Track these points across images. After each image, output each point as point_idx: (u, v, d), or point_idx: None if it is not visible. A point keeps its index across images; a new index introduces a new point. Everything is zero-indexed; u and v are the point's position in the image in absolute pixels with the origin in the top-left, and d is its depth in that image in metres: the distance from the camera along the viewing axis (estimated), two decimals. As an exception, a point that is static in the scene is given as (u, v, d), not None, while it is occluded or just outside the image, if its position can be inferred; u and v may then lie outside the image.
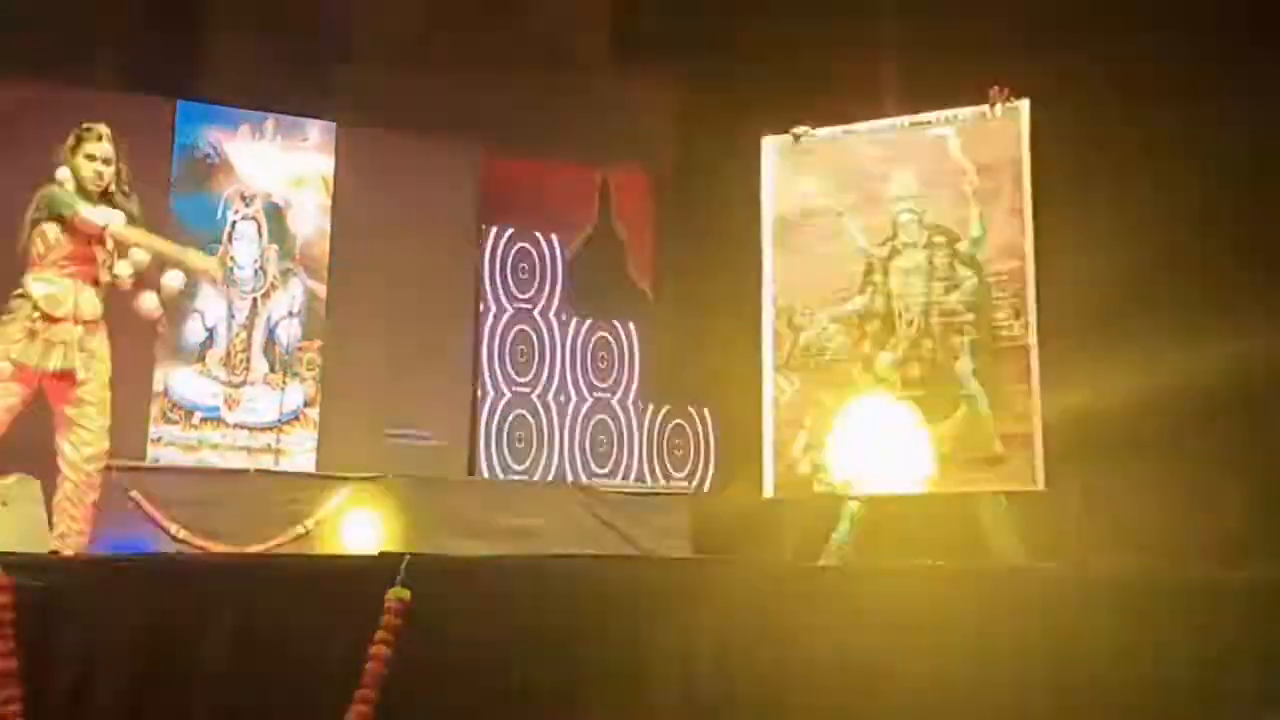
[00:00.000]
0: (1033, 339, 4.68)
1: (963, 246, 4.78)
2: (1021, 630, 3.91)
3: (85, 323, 4.34)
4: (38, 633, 3.14)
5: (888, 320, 4.72)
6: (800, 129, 5.04)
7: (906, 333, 4.70)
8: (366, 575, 3.41)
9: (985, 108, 4.88)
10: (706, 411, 8.38)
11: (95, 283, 4.38)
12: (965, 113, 4.93)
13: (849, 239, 4.86)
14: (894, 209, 4.85)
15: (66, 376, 4.29)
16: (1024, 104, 4.85)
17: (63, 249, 4.31)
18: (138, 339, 6.98)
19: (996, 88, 4.87)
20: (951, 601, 3.88)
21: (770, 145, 5.09)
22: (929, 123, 4.96)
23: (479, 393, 7.77)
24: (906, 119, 5.03)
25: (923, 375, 4.69)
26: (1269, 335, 5.76)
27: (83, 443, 4.37)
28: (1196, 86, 6.38)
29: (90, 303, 4.37)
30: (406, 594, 3.32)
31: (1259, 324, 5.78)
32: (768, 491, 4.74)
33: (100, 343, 4.41)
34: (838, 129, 5.07)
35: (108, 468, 6.09)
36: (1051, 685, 3.78)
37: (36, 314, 4.21)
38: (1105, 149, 6.65)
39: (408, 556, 3.45)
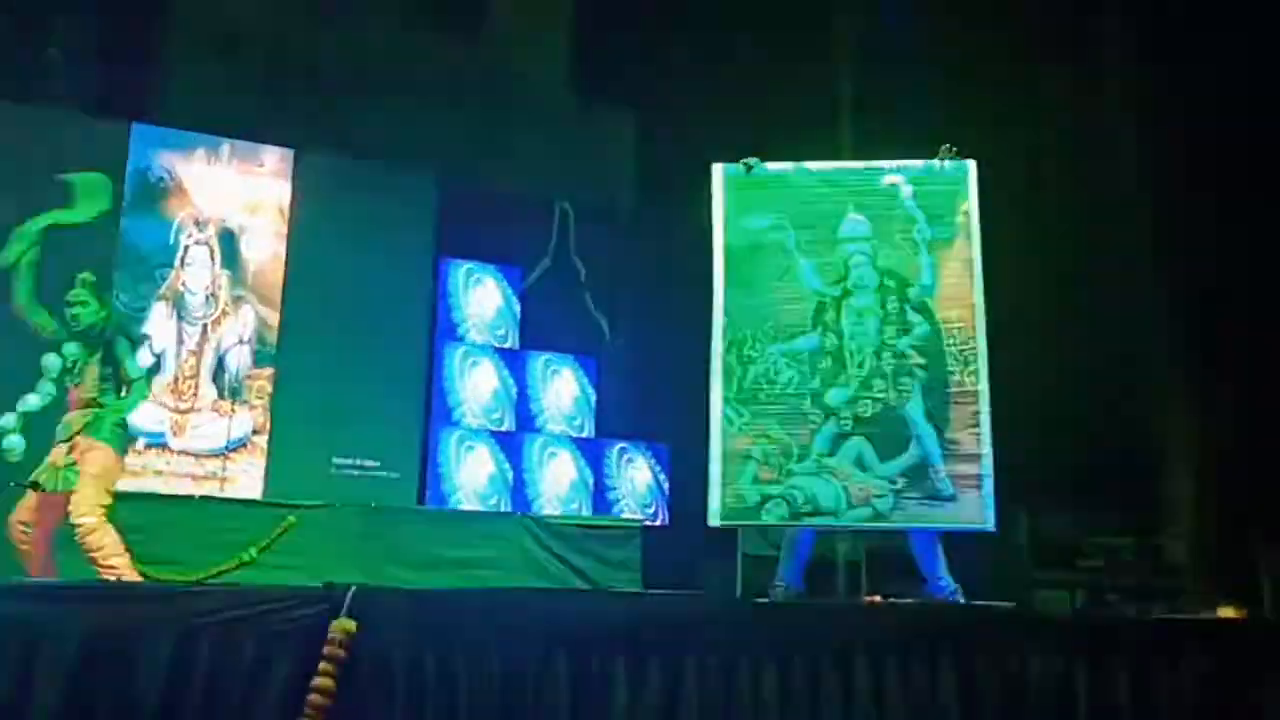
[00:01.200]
0: (983, 386, 4.77)
1: (913, 292, 4.85)
2: (966, 663, 3.95)
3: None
4: (-29, 659, 3.07)
5: (839, 358, 4.75)
6: (751, 160, 5.06)
7: (857, 372, 4.73)
8: (311, 605, 3.38)
9: (935, 161, 4.99)
10: (661, 446, 8.38)
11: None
12: (915, 164, 5.04)
13: (801, 277, 4.89)
14: (846, 250, 4.90)
15: None
16: (970, 164, 5.01)
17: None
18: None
19: (946, 145, 5.00)
20: (901, 636, 3.91)
21: (721, 174, 5.09)
22: (881, 169, 5.03)
23: (430, 424, 7.72)
24: (860, 164, 5.10)
25: (874, 414, 4.72)
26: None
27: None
28: (1133, 145, 6.59)
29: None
30: (352, 625, 3.29)
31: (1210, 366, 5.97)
32: (713, 520, 4.69)
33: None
34: (789, 165, 5.11)
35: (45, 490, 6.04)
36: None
37: None
38: (1049, 206, 6.83)
39: (353, 588, 3.42)
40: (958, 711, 3.90)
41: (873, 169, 5.04)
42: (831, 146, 7.21)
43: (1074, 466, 7.16)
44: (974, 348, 4.80)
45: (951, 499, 4.68)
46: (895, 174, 5.00)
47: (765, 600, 4.58)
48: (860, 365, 4.73)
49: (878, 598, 5.09)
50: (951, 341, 4.79)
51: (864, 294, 4.82)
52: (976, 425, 4.72)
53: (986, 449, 4.72)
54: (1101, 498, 7.17)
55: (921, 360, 4.77)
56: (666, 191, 8.74)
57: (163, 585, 4.29)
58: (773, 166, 5.09)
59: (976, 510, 4.69)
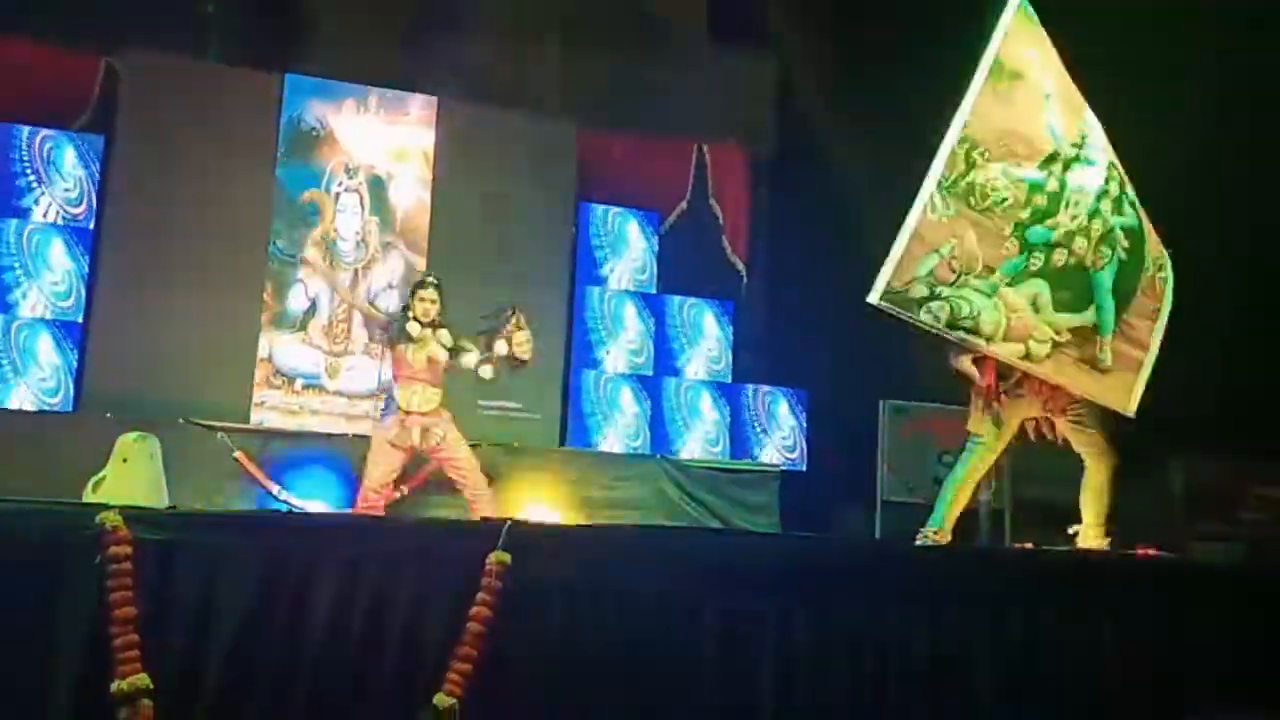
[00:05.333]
0: (1168, 300, 4.86)
1: (1131, 189, 4.84)
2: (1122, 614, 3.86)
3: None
4: (156, 583, 3.27)
5: (1054, 202, 4.65)
6: None
7: (1066, 223, 4.65)
8: (469, 539, 3.49)
9: None
10: (800, 391, 8.32)
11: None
12: None
13: (1047, 121, 4.77)
14: (1088, 118, 4.84)
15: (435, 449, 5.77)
16: None
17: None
18: (243, 308, 7.21)
19: None
20: (1055, 584, 3.83)
21: None
22: None
23: (571, 366, 7.83)
24: None
25: (1065, 266, 4.65)
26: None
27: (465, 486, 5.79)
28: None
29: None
30: (507, 558, 3.39)
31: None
32: (872, 296, 4.47)
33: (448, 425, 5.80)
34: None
35: (212, 428, 6.40)
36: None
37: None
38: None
39: (509, 522, 3.52)
40: (1113, 661, 3.81)
41: None
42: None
43: (1236, 413, 6.86)
44: (1168, 264, 4.89)
45: (1106, 372, 4.67)
46: None
47: (918, 544, 4.54)
48: (1073, 219, 4.65)
49: (1030, 545, 5.00)
50: (1152, 250, 4.83)
51: (1094, 164, 4.76)
52: (1154, 320, 4.76)
53: (1155, 347, 4.78)
54: (1266, 446, 6.84)
55: (1126, 244, 4.75)
56: (805, 136, 8.62)
57: (332, 518, 4.48)
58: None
59: (1125, 393, 4.71)
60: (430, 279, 5.90)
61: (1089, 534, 4.77)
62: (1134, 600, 3.89)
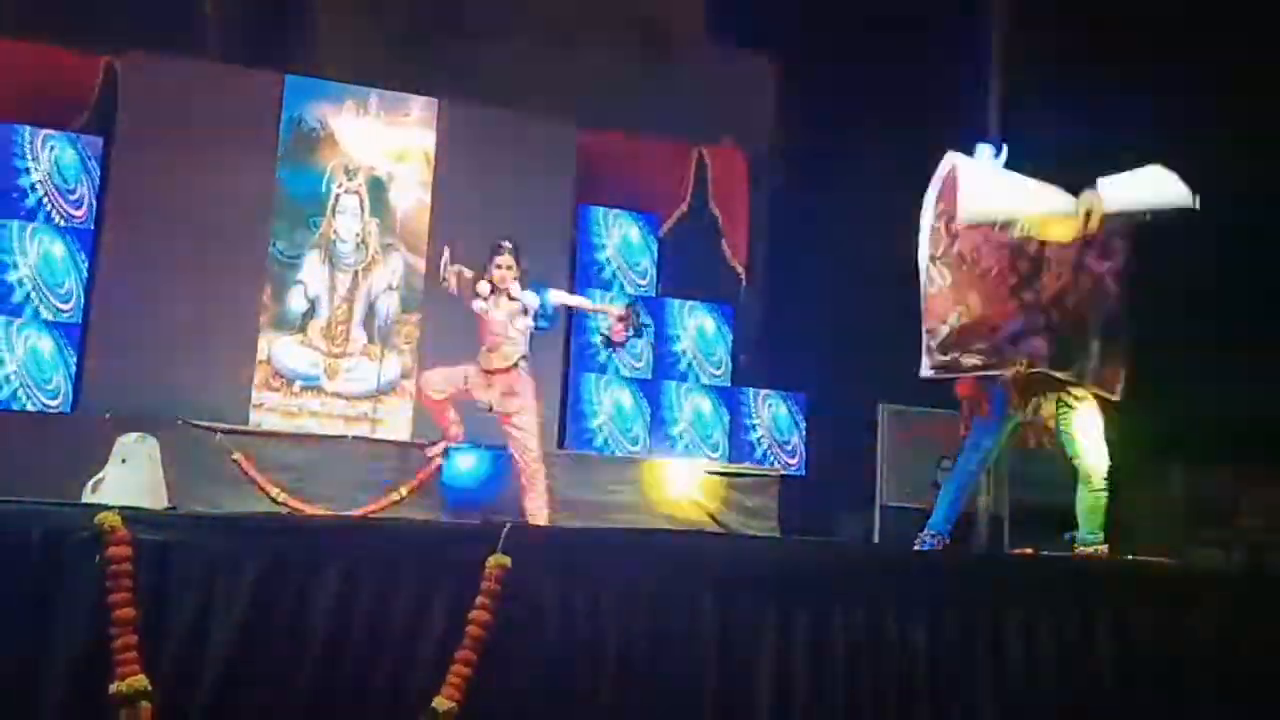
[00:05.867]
0: None
1: (1119, 220, 4.83)
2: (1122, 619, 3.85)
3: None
4: (155, 584, 3.26)
5: (1037, 264, 4.67)
6: None
7: (1053, 284, 4.65)
8: (468, 542, 3.49)
9: None
10: (798, 395, 8.32)
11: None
12: None
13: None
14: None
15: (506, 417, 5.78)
16: None
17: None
18: (243, 309, 7.21)
19: None
20: (1055, 589, 3.83)
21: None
22: None
23: (571, 367, 7.83)
24: None
25: (1061, 322, 4.66)
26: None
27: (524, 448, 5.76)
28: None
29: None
30: (507, 561, 3.39)
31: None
32: (925, 371, 4.61)
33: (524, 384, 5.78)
34: None
35: (211, 429, 6.39)
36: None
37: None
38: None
39: (508, 525, 3.51)
40: (1112, 667, 3.81)
41: None
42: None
43: (1234, 420, 6.87)
44: None
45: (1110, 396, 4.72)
46: None
47: (918, 548, 4.54)
48: (1058, 277, 4.66)
49: (1029, 550, 5.00)
50: None
51: (1065, 221, 4.74)
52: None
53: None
54: (1263, 453, 6.86)
55: (1114, 287, 4.74)
56: (805, 139, 8.63)
57: (331, 520, 4.48)
58: None
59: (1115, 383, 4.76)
60: (505, 243, 5.76)
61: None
62: (1134, 606, 3.89)
